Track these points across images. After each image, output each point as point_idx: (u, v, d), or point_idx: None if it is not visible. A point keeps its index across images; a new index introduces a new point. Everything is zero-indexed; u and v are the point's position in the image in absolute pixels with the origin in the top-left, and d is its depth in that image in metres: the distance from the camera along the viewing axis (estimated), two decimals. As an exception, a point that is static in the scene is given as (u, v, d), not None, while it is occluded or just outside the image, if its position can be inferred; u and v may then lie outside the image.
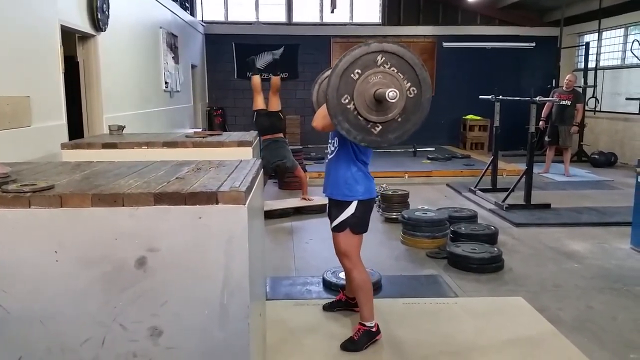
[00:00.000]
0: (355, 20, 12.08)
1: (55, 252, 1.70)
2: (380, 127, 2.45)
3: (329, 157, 2.88)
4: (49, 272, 1.71)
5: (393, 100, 2.29)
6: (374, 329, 2.85)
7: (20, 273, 1.70)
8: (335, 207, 2.84)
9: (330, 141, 2.88)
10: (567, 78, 8.32)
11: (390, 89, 2.27)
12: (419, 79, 2.44)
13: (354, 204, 2.78)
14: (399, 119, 2.46)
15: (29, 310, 1.72)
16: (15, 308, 1.71)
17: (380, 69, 2.40)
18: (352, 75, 2.39)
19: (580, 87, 10.26)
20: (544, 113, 8.45)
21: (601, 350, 2.87)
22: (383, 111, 2.41)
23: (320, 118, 2.66)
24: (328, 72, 3.25)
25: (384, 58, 2.40)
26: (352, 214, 2.78)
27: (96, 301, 1.73)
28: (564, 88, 8.34)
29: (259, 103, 6.47)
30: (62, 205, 1.69)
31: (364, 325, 2.84)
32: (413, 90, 2.45)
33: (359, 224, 2.83)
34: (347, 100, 2.39)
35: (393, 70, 2.41)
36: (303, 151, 8.01)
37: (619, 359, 2.80)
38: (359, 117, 2.42)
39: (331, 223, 2.88)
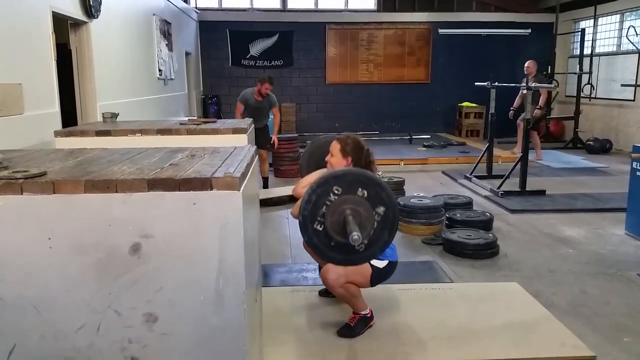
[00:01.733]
0: (351, 6, 12.00)
1: (49, 238, 1.68)
2: (342, 248, 2.50)
3: None
4: (42, 259, 1.69)
5: (355, 244, 2.32)
6: (368, 315, 2.86)
7: (14, 260, 1.69)
8: None
9: None
10: (525, 64, 8.29)
11: (354, 233, 2.28)
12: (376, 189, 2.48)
13: (385, 262, 2.81)
14: (361, 247, 2.51)
15: (23, 297, 1.71)
16: (8, 295, 1.70)
17: (358, 198, 2.44)
18: (330, 194, 2.44)
19: (572, 73, 10.26)
20: (515, 103, 8.42)
21: (595, 334, 2.90)
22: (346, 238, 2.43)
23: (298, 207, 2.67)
24: (319, 143, 3.31)
25: (364, 191, 2.45)
26: (380, 268, 2.80)
27: (90, 288, 1.72)
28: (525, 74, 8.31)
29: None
30: (54, 191, 1.68)
31: (359, 314, 2.85)
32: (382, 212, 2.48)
33: (379, 277, 2.83)
34: (319, 219, 2.45)
35: (367, 202, 2.45)
36: (298, 139, 7.98)
37: (612, 342, 2.83)
38: (326, 234, 2.47)
39: None
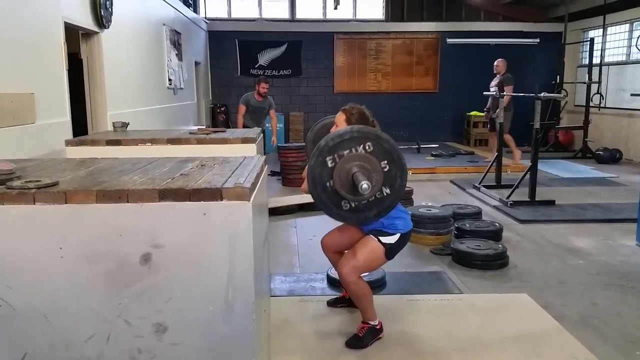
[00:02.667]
0: (359, 16, 12.05)
1: (60, 248, 1.70)
2: (353, 205, 2.53)
3: None
4: (53, 268, 1.71)
5: (366, 193, 2.35)
6: (377, 327, 2.85)
7: (25, 269, 1.70)
8: (375, 230, 2.82)
9: None
10: (495, 63, 8.26)
11: (364, 181, 2.32)
12: (397, 168, 2.52)
13: (397, 236, 2.79)
14: (372, 199, 2.53)
15: (34, 306, 1.72)
16: (20, 304, 1.71)
17: (363, 153, 2.47)
18: (328, 165, 2.46)
19: (581, 82, 10.23)
20: (489, 103, 8.39)
21: (606, 347, 2.86)
22: (357, 194, 2.45)
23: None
24: (325, 122, 3.31)
25: (369, 144, 2.47)
26: (392, 243, 2.79)
27: (101, 297, 1.73)
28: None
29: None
30: (66, 201, 1.69)
31: (368, 324, 2.84)
32: (388, 168, 2.51)
33: (393, 252, 2.83)
34: (326, 180, 2.47)
35: (374, 157, 2.47)
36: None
37: (623, 355, 2.79)
38: (336, 192, 2.48)
39: (369, 232, 2.82)
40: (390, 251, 2.80)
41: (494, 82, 8.22)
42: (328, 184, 2.47)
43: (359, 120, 2.89)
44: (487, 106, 8.41)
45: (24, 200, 1.68)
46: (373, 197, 2.51)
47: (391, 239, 2.78)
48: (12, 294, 1.70)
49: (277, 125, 7.29)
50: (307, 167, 2.57)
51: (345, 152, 2.45)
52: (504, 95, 6.31)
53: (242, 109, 7.29)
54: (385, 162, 2.50)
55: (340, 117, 2.94)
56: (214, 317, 1.77)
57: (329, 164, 2.46)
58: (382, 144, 2.49)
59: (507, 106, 7.94)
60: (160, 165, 2.22)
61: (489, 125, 8.53)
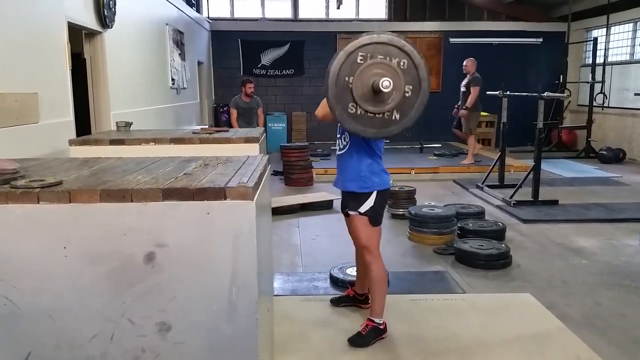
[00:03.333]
0: (362, 16, 12.04)
1: (64, 247, 1.70)
2: (359, 112, 2.47)
3: (340, 152, 2.89)
4: (57, 267, 1.71)
5: (386, 90, 2.31)
6: (382, 327, 2.86)
7: (29, 268, 1.71)
8: (352, 199, 2.84)
9: (339, 136, 2.88)
10: (464, 63, 8.28)
11: (384, 79, 2.28)
12: (415, 64, 2.46)
13: (373, 196, 2.80)
14: (378, 115, 2.48)
15: (38, 305, 1.73)
16: (24, 303, 1.72)
17: (379, 60, 2.41)
18: (356, 61, 2.41)
19: (585, 82, 10.20)
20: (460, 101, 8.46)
21: (610, 347, 2.86)
22: (381, 102, 2.42)
23: (322, 107, 2.72)
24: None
25: (404, 61, 2.43)
26: (372, 207, 2.80)
27: (105, 296, 1.74)
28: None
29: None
30: (70, 200, 1.70)
31: (373, 322, 2.85)
32: (409, 91, 2.46)
33: (378, 216, 2.86)
34: (347, 82, 2.42)
35: (393, 62, 2.42)
36: (309, 148, 8.00)
37: (627, 355, 2.79)
38: (358, 107, 2.43)
39: (348, 211, 2.86)
40: (374, 217, 2.83)
41: (464, 82, 8.27)
42: (347, 78, 2.41)
43: None
44: (458, 104, 8.45)
45: (28, 200, 1.68)
46: (381, 115, 2.46)
47: (369, 202, 2.79)
48: (16, 293, 1.71)
49: (280, 125, 7.44)
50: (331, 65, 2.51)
51: (380, 57, 2.40)
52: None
53: (234, 112, 7.66)
54: (411, 87, 2.44)
55: None
56: (217, 317, 1.77)
57: (358, 60, 2.40)
58: (418, 70, 2.42)
59: (474, 106, 8.01)
60: (164, 165, 2.22)
61: (455, 124, 8.62)
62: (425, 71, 2.47)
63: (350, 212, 2.86)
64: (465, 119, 8.17)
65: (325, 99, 2.68)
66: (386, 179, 2.87)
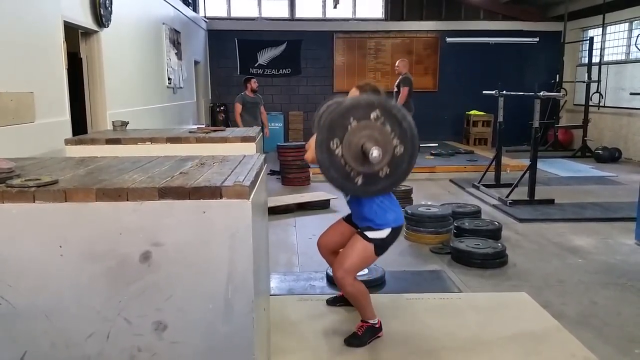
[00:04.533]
0: (358, 15, 12.05)
1: (60, 246, 1.70)
2: (362, 177, 2.45)
3: (347, 197, 2.86)
4: (53, 266, 1.71)
5: (375, 161, 2.30)
6: (377, 325, 2.86)
7: (25, 268, 1.70)
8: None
9: None
10: (396, 64, 8.46)
11: (374, 147, 2.26)
12: (408, 138, 2.44)
13: (387, 231, 2.75)
14: (382, 174, 2.46)
15: (34, 305, 1.72)
16: (20, 303, 1.71)
17: (374, 123, 2.40)
18: (345, 122, 2.39)
19: (581, 81, 10.23)
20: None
21: (605, 346, 2.87)
22: (367, 164, 2.41)
23: (311, 151, 2.67)
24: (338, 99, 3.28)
25: (379, 114, 2.40)
26: (383, 238, 2.75)
27: (101, 296, 1.73)
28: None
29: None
30: (66, 199, 1.69)
31: (367, 322, 2.85)
32: (400, 148, 2.44)
33: (384, 247, 2.80)
34: (335, 145, 2.40)
35: (386, 128, 2.41)
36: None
37: (623, 354, 2.80)
38: (344, 163, 2.42)
39: (358, 228, 2.82)
40: (380, 247, 2.77)
41: (395, 83, 8.43)
42: (335, 146, 2.39)
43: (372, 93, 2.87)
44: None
45: (24, 199, 1.68)
46: (393, 156, 2.44)
47: (381, 234, 2.74)
48: (12, 292, 1.71)
49: (277, 124, 7.62)
50: (314, 134, 2.52)
51: (341, 133, 2.38)
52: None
53: (239, 107, 7.77)
54: (398, 141, 2.42)
55: (353, 93, 2.94)
56: (213, 316, 1.77)
57: (336, 153, 2.39)
58: (400, 122, 2.40)
59: (404, 105, 8.02)
60: (160, 164, 2.22)
61: None
62: (412, 127, 2.45)
63: (360, 228, 2.80)
64: None
65: (312, 140, 2.70)
66: (399, 214, 2.82)
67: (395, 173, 2.47)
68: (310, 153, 2.70)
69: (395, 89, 8.23)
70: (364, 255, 2.75)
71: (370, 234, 2.73)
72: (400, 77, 8.25)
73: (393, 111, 2.40)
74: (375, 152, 2.25)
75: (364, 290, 2.81)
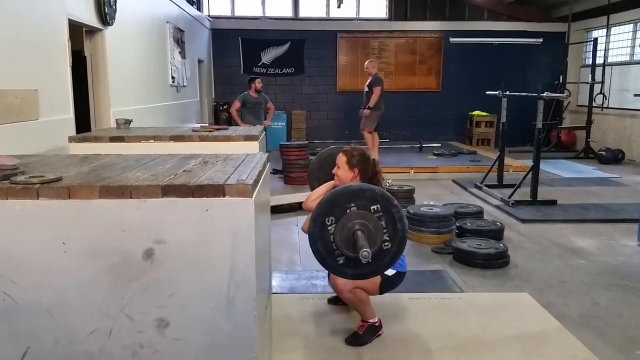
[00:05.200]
0: (362, 15, 12.04)
1: (63, 243, 1.71)
2: (344, 258, 2.48)
3: None
4: (56, 263, 1.72)
5: (363, 260, 2.31)
6: (377, 324, 2.86)
7: (29, 264, 1.72)
8: None
9: None
10: (365, 65, 8.53)
11: (364, 250, 2.29)
12: (389, 208, 2.46)
13: (392, 271, 2.81)
14: (364, 261, 2.44)
15: (37, 301, 1.73)
16: (23, 299, 1.73)
17: (372, 215, 2.43)
18: (346, 205, 2.43)
19: (584, 82, 10.21)
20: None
21: (607, 347, 2.87)
22: (353, 250, 2.43)
23: (307, 222, 2.66)
24: (331, 152, 3.30)
25: (379, 209, 2.43)
26: (388, 276, 2.80)
27: (103, 292, 1.74)
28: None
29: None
30: (70, 196, 1.70)
31: (368, 322, 2.85)
32: (387, 244, 2.48)
33: (388, 287, 2.86)
34: (330, 222, 2.44)
35: (381, 223, 2.44)
36: (308, 146, 8.00)
37: (624, 355, 2.80)
38: (332, 240, 2.44)
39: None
40: (387, 284, 2.83)
41: (366, 83, 8.48)
42: (330, 223, 2.44)
43: (359, 162, 2.93)
44: (363, 104, 8.59)
45: (28, 196, 1.69)
46: (379, 249, 2.49)
47: (389, 272, 2.79)
48: (15, 288, 1.72)
49: (280, 124, 7.71)
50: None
51: (340, 214, 2.43)
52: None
53: (237, 104, 7.92)
54: (388, 238, 2.47)
55: (341, 159, 2.96)
56: (215, 313, 1.78)
57: (328, 230, 2.44)
58: (396, 222, 2.46)
59: (376, 105, 8.18)
60: (163, 162, 2.23)
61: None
62: (405, 230, 2.49)
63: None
64: (366, 117, 8.37)
65: (316, 192, 2.83)
66: (403, 264, 2.89)
67: (376, 264, 2.52)
68: (307, 224, 2.70)
69: (367, 89, 8.35)
70: (371, 282, 2.76)
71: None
72: (371, 77, 8.35)
73: (392, 210, 2.45)
74: (365, 253, 2.29)
75: (363, 297, 2.82)
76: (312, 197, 2.96)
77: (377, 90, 8.15)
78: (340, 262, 2.49)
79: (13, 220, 1.69)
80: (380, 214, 2.44)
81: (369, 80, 8.36)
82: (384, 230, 2.46)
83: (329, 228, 2.45)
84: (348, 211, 2.43)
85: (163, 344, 1.78)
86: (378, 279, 2.77)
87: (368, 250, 2.29)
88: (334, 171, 2.97)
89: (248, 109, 7.98)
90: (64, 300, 1.74)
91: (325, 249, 2.48)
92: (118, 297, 1.74)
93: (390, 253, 2.51)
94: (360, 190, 2.49)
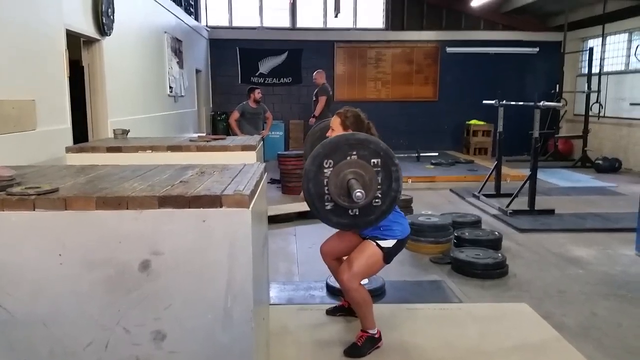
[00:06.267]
0: (359, 25, 12.10)
1: (59, 254, 1.70)
2: (332, 204, 2.50)
3: None
4: (52, 274, 1.71)
5: (359, 201, 2.35)
6: (376, 335, 2.85)
7: (24, 275, 1.70)
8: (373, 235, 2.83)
9: None
10: (314, 75, 8.86)
11: (358, 190, 2.32)
12: (389, 165, 2.49)
13: (394, 242, 2.80)
14: (351, 212, 2.52)
15: (33, 313, 1.72)
16: (18, 311, 1.71)
17: (370, 168, 2.46)
18: (348, 151, 2.47)
19: (581, 91, 10.26)
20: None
21: (605, 357, 2.86)
22: (343, 198, 2.47)
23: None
24: (323, 124, 3.33)
25: (379, 163, 2.47)
26: (389, 247, 2.80)
27: (100, 304, 1.73)
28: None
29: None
30: (66, 208, 1.69)
31: (367, 332, 2.84)
32: (377, 201, 2.50)
33: (391, 256, 2.84)
34: (327, 165, 2.46)
35: (377, 178, 2.48)
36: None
37: (624, 365, 2.79)
38: (325, 184, 2.47)
39: (367, 236, 2.83)
40: (389, 255, 2.82)
41: (314, 93, 8.79)
42: (327, 166, 2.45)
43: (354, 123, 2.91)
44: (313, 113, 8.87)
45: (24, 207, 1.68)
46: (369, 204, 2.51)
47: (388, 244, 2.79)
48: (11, 300, 1.70)
49: (277, 133, 7.80)
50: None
51: (339, 159, 2.45)
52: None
53: (236, 114, 8.00)
54: (380, 195, 2.49)
55: (335, 121, 2.96)
56: (212, 325, 1.76)
57: (324, 172, 2.46)
58: (392, 181, 2.48)
59: (321, 114, 8.34)
60: (160, 172, 2.22)
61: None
62: (398, 191, 2.53)
63: (368, 238, 2.82)
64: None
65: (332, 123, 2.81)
66: (406, 226, 2.89)
67: (362, 219, 2.54)
68: None
69: (314, 98, 8.68)
70: (372, 261, 2.78)
71: (380, 242, 2.78)
72: (318, 87, 8.65)
73: (392, 168, 2.47)
74: (359, 194, 2.32)
75: (368, 298, 2.82)
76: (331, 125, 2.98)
77: (322, 100, 8.45)
78: (328, 207, 2.50)
79: (9, 232, 1.68)
80: (379, 169, 2.44)
81: (316, 90, 8.72)
82: (378, 187, 2.46)
83: (325, 171, 2.45)
84: (348, 158, 2.43)
85: (159, 356, 1.76)
86: (379, 253, 2.77)
87: (362, 191, 2.30)
88: (327, 134, 2.94)
89: (247, 119, 8.03)
90: (59, 312, 1.72)
91: (316, 191, 2.48)
92: (114, 309, 1.73)
93: (378, 211, 2.51)
94: (367, 140, 2.49)
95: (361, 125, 2.92)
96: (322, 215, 2.56)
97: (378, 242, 2.78)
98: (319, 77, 8.74)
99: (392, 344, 2.91)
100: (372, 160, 2.45)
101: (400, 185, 2.51)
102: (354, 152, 2.45)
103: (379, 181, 2.46)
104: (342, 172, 2.44)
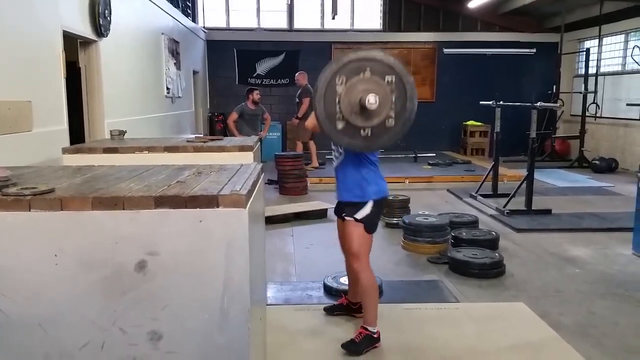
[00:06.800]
0: (356, 26, 12.12)
1: (55, 255, 1.69)
2: (344, 123, 2.43)
3: (336, 163, 2.91)
4: (48, 275, 1.70)
5: (372, 107, 2.29)
6: (375, 335, 2.85)
7: (20, 277, 1.70)
8: (349, 206, 2.85)
9: (334, 147, 2.88)
10: (295, 77, 9.03)
11: (369, 95, 2.26)
12: (403, 83, 2.44)
13: (369, 205, 2.80)
14: (362, 133, 2.45)
15: (29, 314, 1.71)
16: (14, 312, 1.70)
17: (365, 77, 2.40)
18: (362, 66, 2.38)
19: (577, 92, 10.28)
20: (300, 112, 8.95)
21: (603, 356, 2.86)
22: (370, 117, 2.41)
23: (312, 119, 2.75)
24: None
25: (393, 80, 2.40)
26: (368, 214, 2.80)
27: (96, 305, 1.72)
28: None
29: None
30: (62, 208, 1.69)
31: (367, 330, 2.84)
32: (390, 122, 2.45)
33: (373, 224, 2.86)
34: (340, 81, 2.39)
35: (391, 96, 2.41)
36: (304, 157, 8.01)
37: (621, 364, 2.79)
38: (338, 101, 2.40)
39: (345, 216, 2.86)
40: (369, 224, 2.82)
41: (297, 94, 8.94)
42: (339, 82, 2.38)
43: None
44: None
45: (20, 207, 1.68)
46: (381, 124, 2.42)
47: (365, 210, 2.79)
48: (6, 302, 1.69)
49: (275, 134, 7.87)
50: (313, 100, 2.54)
51: (352, 74, 2.38)
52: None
53: (235, 115, 7.99)
54: (394, 115, 2.40)
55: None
56: (209, 325, 1.76)
57: (356, 70, 2.37)
58: (406, 100, 2.39)
59: (304, 115, 8.40)
60: (157, 173, 2.22)
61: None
62: (413, 111, 2.46)
63: (346, 217, 2.86)
64: (298, 127, 8.79)
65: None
66: (383, 187, 2.89)
67: (373, 141, 2.45)
68: (311, 120, 2.71)
69: (297, 100, 8.81)
70: (358, 236, 2.81)
71: (357, 215, 2.79)
72: (301, 88, 8.74)
73: (407, 87, 2.38)
74: (371, 98, 2.23)
75: (375, 286, 2.88)
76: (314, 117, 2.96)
77: (305, 101, 8.52)
78: (339, 127, 2.41)
79: (4, 232, 1.68)
80: (393, 86, 2.36)
81: (299, 91, 8.82)
82: (392, 106, 2.37)
83: (337, 88, 2.36)
84: (362, 75, 2.34)
85: (156, 357, 1.76)
86: (359, 228, 2.78)
87: (376, 95, 2.23)
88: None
89: (245, 121, 8.04)
90: (55, 314, 1.72)
91: (327, 110, 2.39)
92: (111, 310, 1.72)
93: (392, 132, 2.43)
94: (382, 57, 2.41)
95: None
96: (334, 136, 2.49)
97: (355, 216, 2.79)
98: (301, 78, 8.83)
99: (389, 343, 2.91)
100: (387, 77, 2.36)
101: (414, 105, 2.40)
102: (368, 67, 2.37)
103: (393, 100, 2.36)
104: (356, 88, 2.35)
